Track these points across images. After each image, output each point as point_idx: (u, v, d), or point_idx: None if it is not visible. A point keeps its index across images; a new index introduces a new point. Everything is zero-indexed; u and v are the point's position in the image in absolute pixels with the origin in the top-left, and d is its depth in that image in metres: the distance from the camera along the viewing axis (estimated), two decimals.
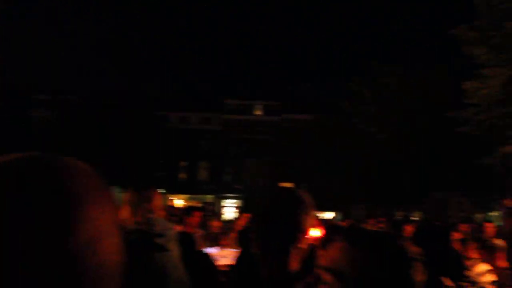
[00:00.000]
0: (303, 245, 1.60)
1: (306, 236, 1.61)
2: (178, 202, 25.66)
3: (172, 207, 12.82)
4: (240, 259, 2.44)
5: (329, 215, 29.21)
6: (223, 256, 5.40)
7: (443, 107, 14.79)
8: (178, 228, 3.66)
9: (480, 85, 12.79)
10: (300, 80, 64.39)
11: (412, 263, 1.02)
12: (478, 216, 18.13)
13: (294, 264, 1.56)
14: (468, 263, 4.50)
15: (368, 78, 21.07)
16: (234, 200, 36.99)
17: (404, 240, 1.08)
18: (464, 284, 3.19)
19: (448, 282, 2.48)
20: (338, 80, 49.23)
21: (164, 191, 29.27)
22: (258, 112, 42.38)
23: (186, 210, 6.47)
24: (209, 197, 37.65)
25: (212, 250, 5.61)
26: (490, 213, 20.33)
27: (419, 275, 1.02)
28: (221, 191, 38.59)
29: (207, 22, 63.27)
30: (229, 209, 36.39)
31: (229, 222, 9.29)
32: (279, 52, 68.51)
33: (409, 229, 6.70)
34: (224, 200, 38.62)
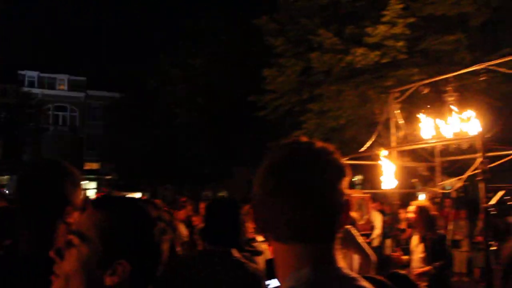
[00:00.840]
0: (73, 219, 1.55)
1: (75, 210, 1.57)
2: None
3: None
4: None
5: (137, 195, 28.92)
6: None
7: (246, 91, 15.61)
8: None
9: (277, 73, 13.85)
10: (108, 57, 62.03)
11: (154, 224, 1.14)
12: None
13: (63, 239, 1.52)
14: (253, 235, 4.98)
15: (178, 58, 21.23)
16: None
17: (151, 204, 1.19)
18: (247, 254, 3.53)
19: (235, 252, 2.70)
20: (146, 58, 48.52)
21: None
22: (62, 87, 39.82)
23: None
24: (4, 179, 34.37)
25: None
26: None
27: (166, 237, 1.15)
28: (18, 171, 35.24)
29: None
30: None
31: None
32: (86, 26, 64.70)
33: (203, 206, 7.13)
34: None
